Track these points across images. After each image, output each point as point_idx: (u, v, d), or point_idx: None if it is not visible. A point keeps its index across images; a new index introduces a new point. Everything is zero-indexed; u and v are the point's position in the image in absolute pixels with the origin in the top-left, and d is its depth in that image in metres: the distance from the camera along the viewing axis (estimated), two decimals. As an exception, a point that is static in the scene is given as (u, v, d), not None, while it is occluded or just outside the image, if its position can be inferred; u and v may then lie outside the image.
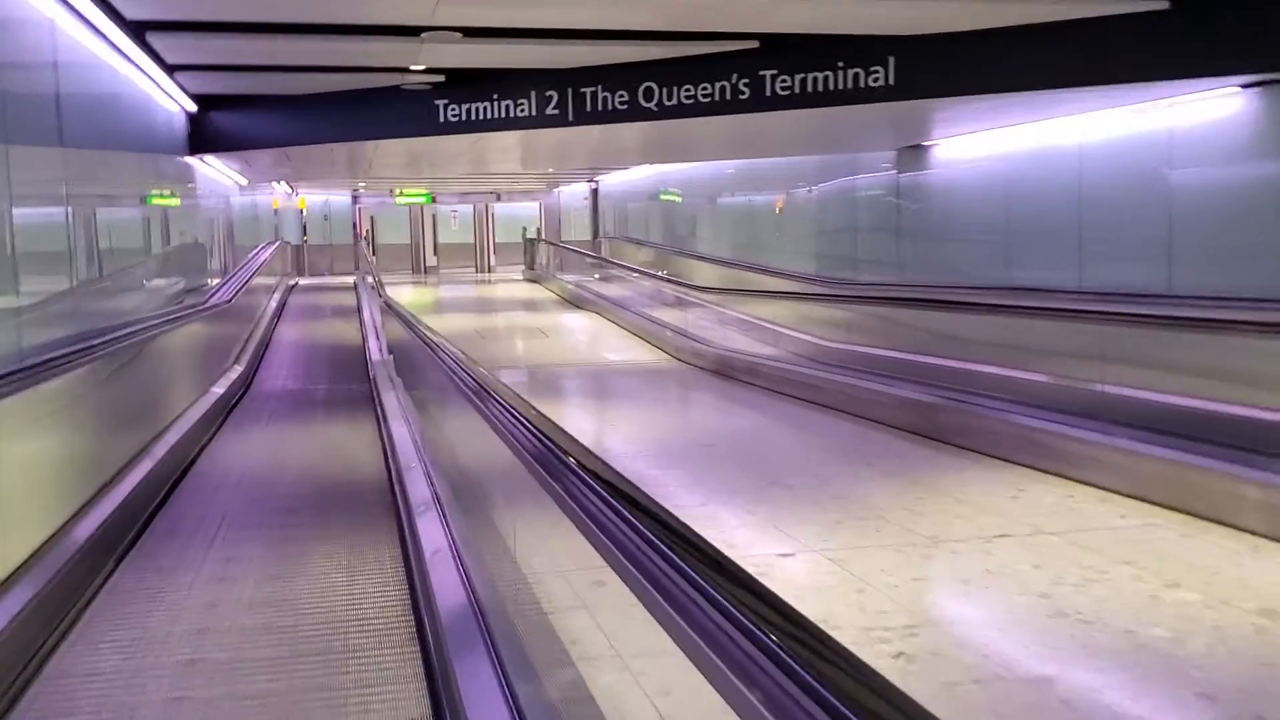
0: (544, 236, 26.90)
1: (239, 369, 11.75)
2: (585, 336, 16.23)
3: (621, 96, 8.76)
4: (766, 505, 6.14)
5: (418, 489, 6.14)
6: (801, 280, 14.20)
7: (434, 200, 32.18)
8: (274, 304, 19.35)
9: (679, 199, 20.58)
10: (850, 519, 5.84)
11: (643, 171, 22.59)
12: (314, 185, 28.81)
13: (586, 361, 13.84)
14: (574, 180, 28.18)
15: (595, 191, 27.21)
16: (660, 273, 17.65)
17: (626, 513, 2.16)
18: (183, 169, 10.66)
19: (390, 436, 8.03)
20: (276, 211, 30.17)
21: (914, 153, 11.99)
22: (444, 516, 5.29)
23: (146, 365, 7.44)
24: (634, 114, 8.70)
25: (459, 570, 4.34)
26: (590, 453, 2.76)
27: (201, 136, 10.56)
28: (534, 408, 3.70)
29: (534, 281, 25.59)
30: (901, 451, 7.71)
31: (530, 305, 21.39)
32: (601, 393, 11.20)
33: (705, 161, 16.54)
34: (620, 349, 14.79)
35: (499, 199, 32.93)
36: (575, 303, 20.50)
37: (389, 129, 9.76)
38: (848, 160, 13.37)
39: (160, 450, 6.90)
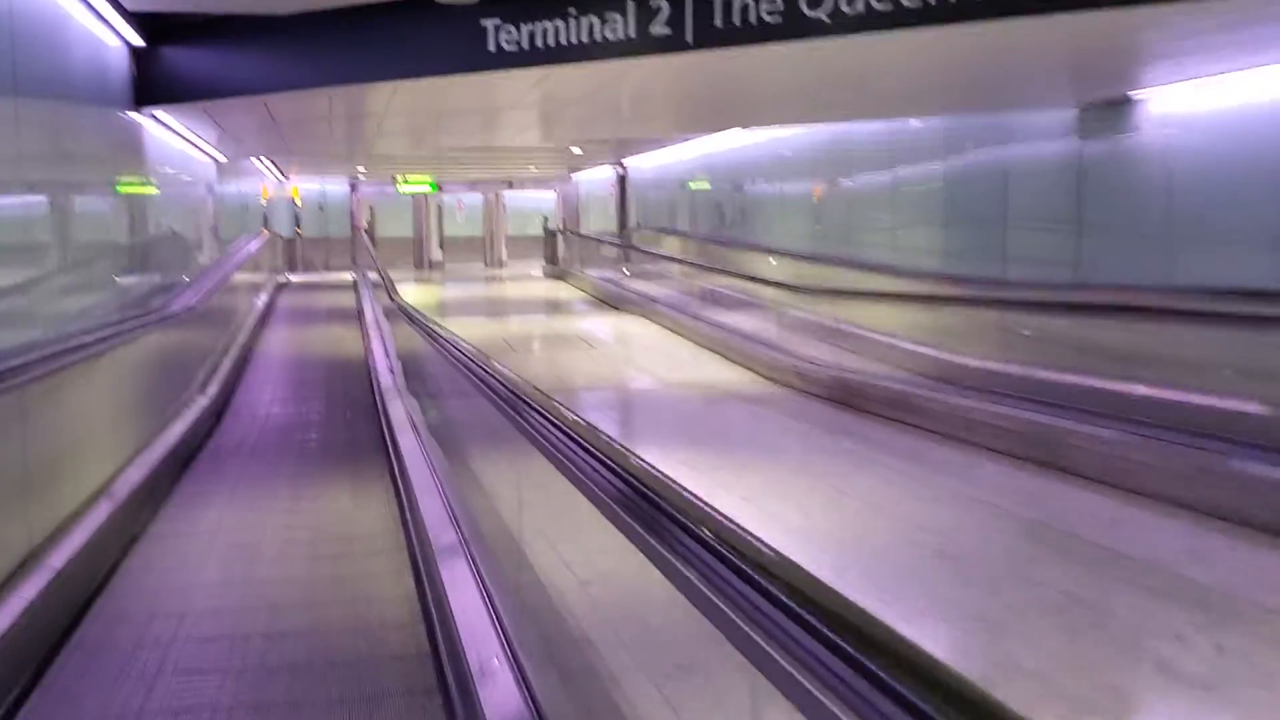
0: (567, 228, 23.95)
1: (204, 401, 8.79)
2: (642, 348, 13.27)
3: (771, 2, 5.82)
4: None
5: (492, 687, 3.16)
6: (921, 278, 11.27)
7: (440, 189, 29.20)
8: (260, 305, 16.38)
9: (730, 183, 17.61)
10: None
11: (681, 153, 19.64)
12: (308, 171, 25.83)
13: (662, 385, 10.90)
14: (597, 165, 25.22)
15: (623, 179, 24.24)
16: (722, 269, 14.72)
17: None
18: (124, 131, 7.69)
19: (419, 524, 5.14)
20: (267, 201, 27.31)
21: (1109, 110, 9.05)
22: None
23: (44, 419, 4.50)
24: (792, 27, 5.76)
25: None
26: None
27: (152, 82, 7.59)
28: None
29: (557, 278, 22.61)
30: None
31: (560, 307, 18.41)
32: (714, 440, 8.23)
33: (826, 122, 13.46)
34: (693, 365, 11.85)
35: (511, 187, 29.93)
36: (612, 303, 17.53)
37: (413, 64, 6.79)
38: (993, 126, 10.42)
39: (32, 589, 3.93)
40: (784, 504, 5.86)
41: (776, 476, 6.60)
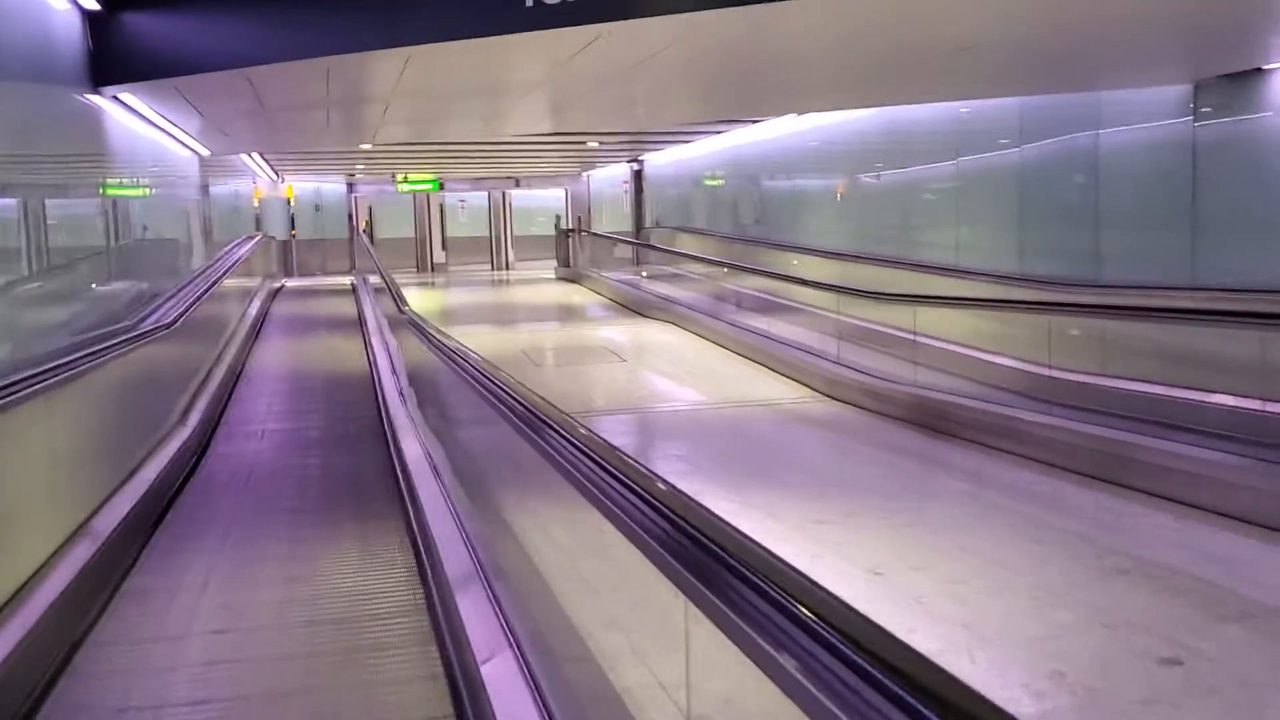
0: (582, 227, 22.60)
1: (186, 431, 7.49)
2: (677, 359, 11.97)
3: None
4: None
5: None
6: (993, 280, 9.99)
7: (442, 187, 27.87)
8: (253, 314, 15.07)
9: (761, 178, 16.32)
10: None
11: (704, 147, 18.35)
12: (303, 170, 24.51)
13: (710, 405, 9.60)
14: (612, 161, 23.91)
15: (639, 174, 22.95)
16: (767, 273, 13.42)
17: None
18: (80, 118, 6.40)
19: (447, 593, 3.90)
20: (260, 202, 26.03)
21: (1231, 86, 7.76)
22: None
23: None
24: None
25: None
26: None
27: (111, 56, 6.29)
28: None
29: (571, 281, 21.28)
30: None
31: (579, 313, 17.11)
32: (794, 477, 6.92)
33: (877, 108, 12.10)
34: (739, 380, 10.56)
35: (518, 185, 28.61)
36: (634, 308, 16.22)
37: (431, 26, 5.48)
38: (1080, 106, 9.13)
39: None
40: (924, 580, 4.55)
41: (894, 535, 5.28)
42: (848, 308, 11.10)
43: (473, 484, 5.64)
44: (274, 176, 25.24)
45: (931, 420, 7.96)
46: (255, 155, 17.96)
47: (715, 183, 18.56)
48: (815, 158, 14.36)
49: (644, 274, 19.26)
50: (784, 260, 14.53)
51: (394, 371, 10.15)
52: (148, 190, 9.48)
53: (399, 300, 8.96)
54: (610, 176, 25.82)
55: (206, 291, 9.68)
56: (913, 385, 8.53)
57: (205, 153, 11.64)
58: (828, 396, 9.47)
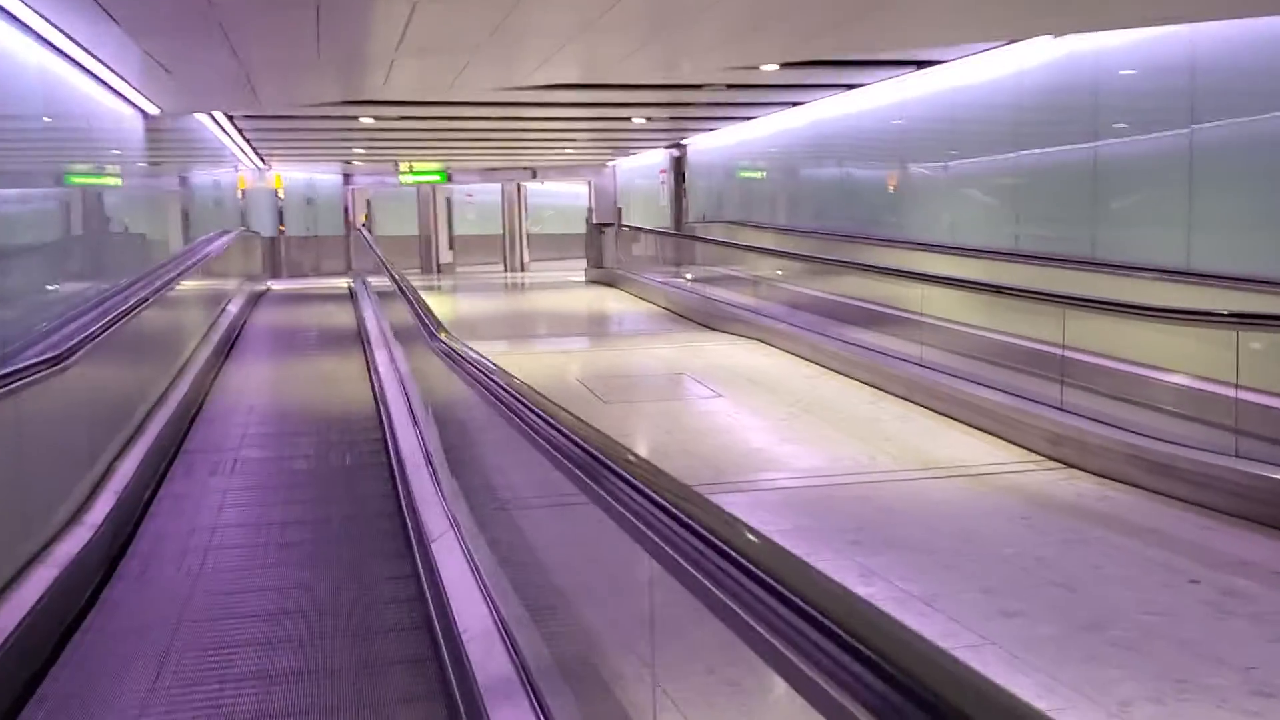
0: (620, 220, 19.43)
1: (76, 541, 4.42)
2: (791, 394, 8.88)
3: None
4: None
5: None
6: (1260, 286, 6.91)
7: (450, 179, 24.77)
8: (225, 326, 11.95)
9: (852, 161, 13.23)
10: None
11: (767, 126, 15.30)
12: (292, 154, 21.42)
13: (877, 473, 6.51)
14: (645, 147, 20.84)
15: (679, 161, 19.86)
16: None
17: None
18: None
19: None
20: (244, 194, 22.94)
21: None
22: None
23: None
24: None
25: None
26: None
27: None
28: None
29: (606, 284, 18.14)
30: None
31: (632, 325, 14.01)
32: (1138, 657, 3.86)
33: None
34: (902, 431, 7.51)
35: (535, 177, 25.51)
36: (702, 320, 13.12)
37: None
38: None
39: None
40: None
41: None
42: (997, 320, 8.13)
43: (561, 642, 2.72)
44: (260, 164, 22.14)
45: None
46: (233, 131, 14.83)
47: (785, 168, 15.49)
48: (957, 128, 11.26)
49: (689, 276, 16.20)
50: (893, 259, 11.43)
51: (410, 412, 7.08)
52: (45, 151, 6.40)
53: (426, 321, 5.86)
54: (642, 166, 22.73)
55: (150, 297, 6.57)
56: (1237, 457, 5.45)
57: (153, 109, 8.52)
58: (1056, 461, 6.39)
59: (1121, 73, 8.53)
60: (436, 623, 3.66)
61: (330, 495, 6.16)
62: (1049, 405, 6.84)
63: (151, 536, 5.31)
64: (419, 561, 4.47)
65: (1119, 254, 8.56)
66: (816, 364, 9.85)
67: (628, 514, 2.07)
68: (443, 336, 5.38)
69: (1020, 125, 9.90)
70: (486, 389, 3.92)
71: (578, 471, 2.53)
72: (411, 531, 4.81)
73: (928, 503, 5.74)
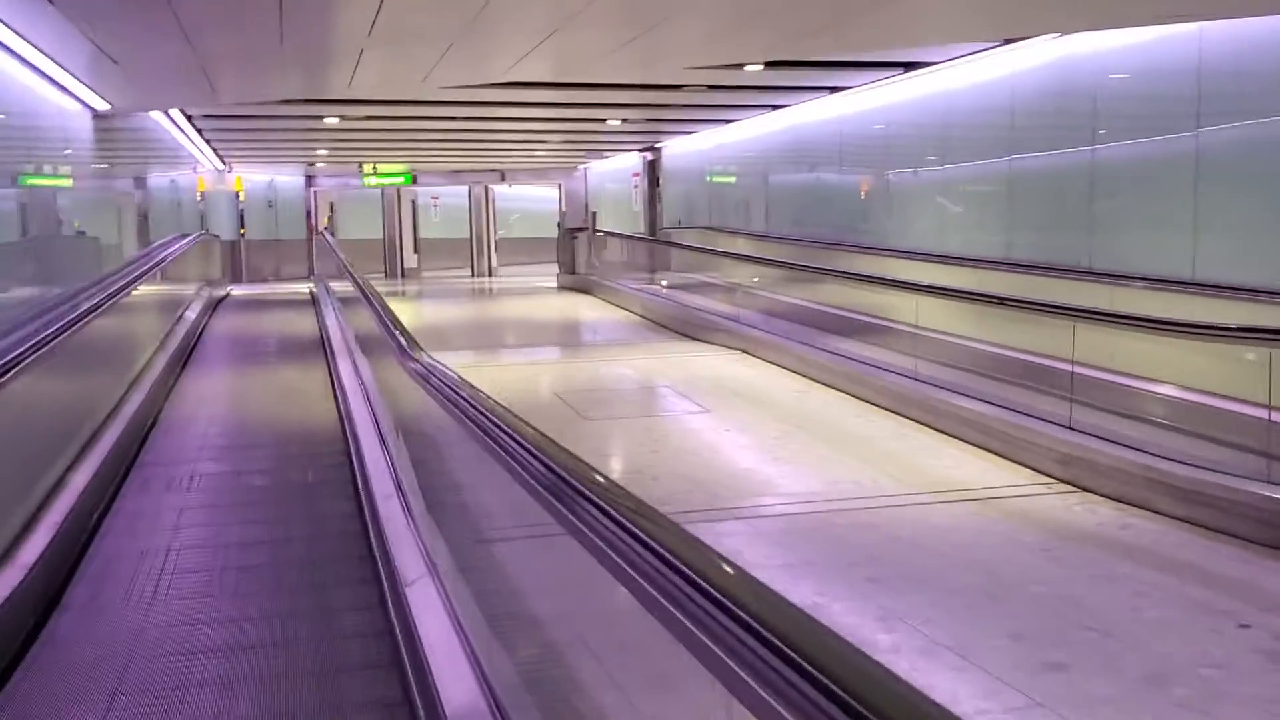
0: (594, 225, 18.95)
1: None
2: (778, 408, 8.48)
3: None
4: None
5: None
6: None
7: (415, 181, 24.22)
8: (182, 334, 11.39)
9: (844, 163, 12.88)
10: None
11: (749, 129, 14.95)
12: (252, 155, 20.81)
13: (877, 497, 6.14)
14: (618, 150, 20.42)
15: (653, 165, 19.45)
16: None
17: None
18: None
19: None
20: (204, 196, 22.28)
21: None
22: None
23: None
24: None
25: None
26: None
27: None
28: None
29: (580, 291, 17.66)
30: None
31: (608, 334, 13.55)
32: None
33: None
34: (897, 449, 7.15)
35: (504, 180, 25.01)
36: (681, 329, 12.68)
37: None
38: None
39: None
40: None
41: None
42: (994, 332, 7.83)
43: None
44: (220, 165, 21.50)
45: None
46: (191, 132, 14.25)
47: (762, 173, 15.11)
48: (946, 132, 10.93)
49: (664, 283, 15.80)
50: (876, 268, 11.07)
51: (378, 431, 6.61)
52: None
53: (398, 336, 5.38)
54: (614, 170, 22.30)
55: (81, 317, 6.05)
56: (1270, 483, 5.10)
57: (102, 105, 7.98)
58: (1067, 484, 6.03)
59: (1114, 76, 8.21)
60: (417, 698, 3.19)
61: (287, 535, 5.66)
62: (1056, 423, 6.47)
63: (82, 592, 4.79)
64: (392, 610, 4.01)
65: (1116, 263, 8.26)
66: (803, 376, 9.46)
67: (664, 599, 1.65)
68: (419, 356, 4.92)
69: (1014, 129, 9.58)
70: (475, 423, 3.47)
71: (537, 486, 2.11)
72: (384, 575, 4.34)
73: (937, 530, 5.35)
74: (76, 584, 4.69)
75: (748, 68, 10.02)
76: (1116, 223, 8.45)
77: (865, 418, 7.91)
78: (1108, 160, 8.43)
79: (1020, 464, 6.47)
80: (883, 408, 8.13)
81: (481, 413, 3.19)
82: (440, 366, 4.37)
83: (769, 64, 9.94)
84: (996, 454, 6.72)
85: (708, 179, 17.33)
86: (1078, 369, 6.65)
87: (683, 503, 5.67)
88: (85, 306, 6.46)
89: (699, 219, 17.37)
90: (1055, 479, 6.18)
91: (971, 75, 9.96)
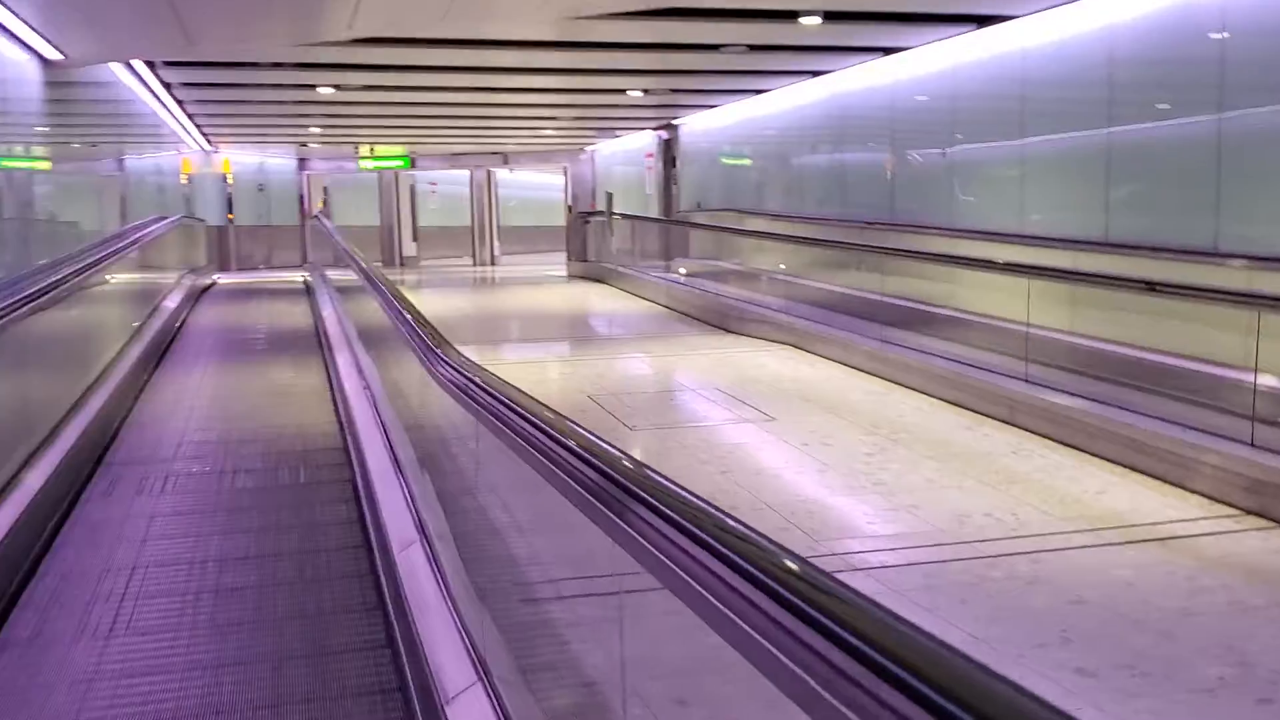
0: (611, 209, 17.66)
1: None
2: (855, 415, 7.22)
3: None
4: None
5: None
6: None
7: (414, 164, 22.92)
8: (157, 327, 10.09)
9: (896, 136, 11.58)
10: None
11: (779, 102, 13.66)
12: (241, 134, 19.48)
13: (1029, 537, 4.90)
14: (630, 129, 19.12)
15: (669, 144, 18.15)
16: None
17: None
18: None
19: None
20: (190, 179, 20.98)
21: None
22: None
23: None
24: None
25: None
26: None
27: None
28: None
29: (593, 280, 16.37)
30: None
31: (635, 328, 12.27)
32: None
33: None
34: (1020, 469, 5.93)
35: (506, 163, 23.68)
36: (716, 322, 11.40)
37: None
38: None
39: None
40: None
41: None
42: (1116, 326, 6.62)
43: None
44: (206, 146, 20.17)
45: None
46: (171, 104, 12.92)
47: (800, 149, 13.82)
48: (996, 103, 9.64)
49: (683, 271, 14.57)
50: (947, 249, 9.79)
51: (390, 449, 5.34)
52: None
53: (419, 330, 4.10)
54: (624, 152, 20.99)
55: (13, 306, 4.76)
56: None
57: (53, 54, 6.65)
58: (1258, 516, 4.79)
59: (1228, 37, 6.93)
60: None
61: (272, 591, 4.40)
62: (1232, 439, 5.22)
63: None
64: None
65: (1250, 245, 7.00)
66: (876, 376, 8.20)
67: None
68: (449, 356, 3.66)
69: (1115, 93, 8.30)
70: (551, 460, 2.24)
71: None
72: (413, 686, 3.05)
73: (1132, 588, 4.10)
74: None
75: (803, 19, 8.75)
76: (1252, 200, 7.18)
77: (971, 428, 6.64)
78: (1240, 131, 7.15)
79: (1186, 489, 5.22)
80: (983, 414, 6.87)
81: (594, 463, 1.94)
82: (489, 376, 3.11)
83: (827, 15, 8.68)
84: (1150, 475, 5.47)
85: (729, 159, 16.03)
86: (1262, 379, 5.40)
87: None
88: (29, 291, 5.20)
89: (721, 201, 16.08)
90: (1240, 509, 4.94)
91: (1056, 29, 8.69)
